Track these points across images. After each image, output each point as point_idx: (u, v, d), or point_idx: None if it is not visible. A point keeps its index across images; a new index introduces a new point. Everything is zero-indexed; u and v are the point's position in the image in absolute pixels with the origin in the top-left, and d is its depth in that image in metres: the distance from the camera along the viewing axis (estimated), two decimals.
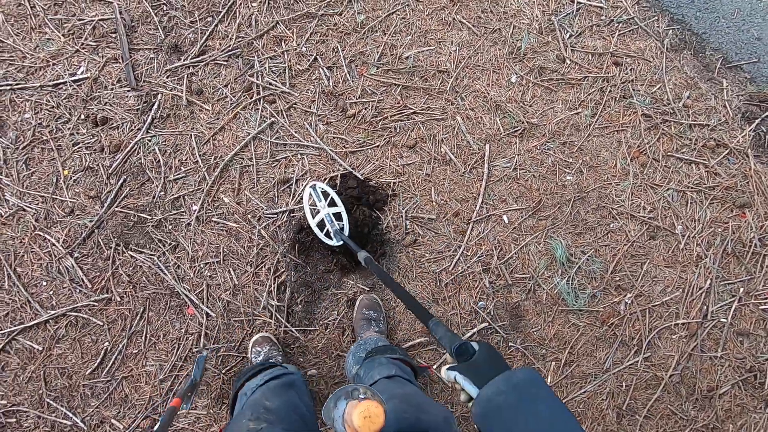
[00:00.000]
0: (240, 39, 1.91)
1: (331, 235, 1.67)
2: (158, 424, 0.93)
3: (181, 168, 1.81)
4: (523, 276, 1.86)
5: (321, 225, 1.69)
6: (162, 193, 1.78)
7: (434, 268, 1.84)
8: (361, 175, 1.87)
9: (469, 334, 1.80)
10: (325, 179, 1.85)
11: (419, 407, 0.99)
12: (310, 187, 1.72)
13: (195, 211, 1.78)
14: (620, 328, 1.86)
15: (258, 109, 1.88)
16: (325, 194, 1.73)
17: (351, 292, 1.80)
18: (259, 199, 1.82)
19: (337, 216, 1.71)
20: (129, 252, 1.73)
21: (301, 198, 1.80)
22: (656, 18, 2.09)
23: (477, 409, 0.66)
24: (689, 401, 1.85)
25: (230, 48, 1.90)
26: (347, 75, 1.92)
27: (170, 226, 1.78)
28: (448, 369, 0.74)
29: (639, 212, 1.92)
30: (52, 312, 1.68)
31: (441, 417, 0.98)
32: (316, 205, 1.69)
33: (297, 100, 1.90)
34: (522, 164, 1.93)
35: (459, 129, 1.93)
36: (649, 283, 1.89)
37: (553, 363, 1.83)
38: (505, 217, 1.89)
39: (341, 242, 1.64)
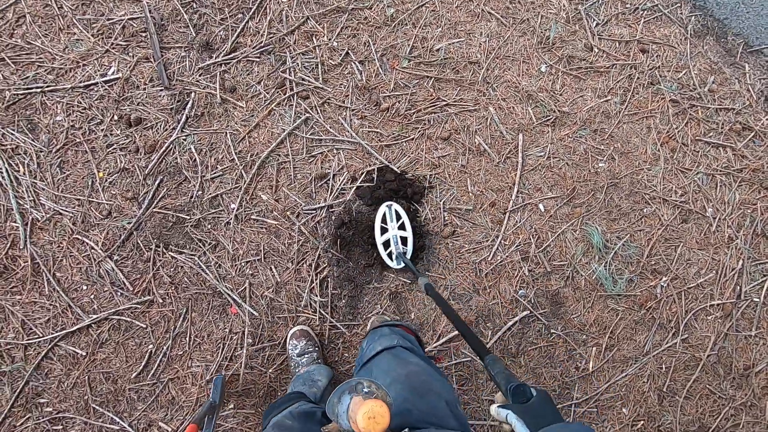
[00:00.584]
0: (271, 35, 1.88)
1: (394, 257, 1.71)
2: None
3: (218, 167, 1.77)
4: (561, 263, 1.85)
5: (386, 245, 1.73)
6: (200, 192, 1.75)
7: (474, 258, 1.83)
8: (398, 168, 1.85)
9: (510, 323, 1.80)
10: (362, 173, 1.83)
11: (422, 392, 0.97)
12: (386, 206, 1.75)
13: (233, 209, 1.75)
14: (657, 311, 1.87)
15: (292, 105, 1.85)
16: (398, 216, 1.75)
17: (393, 285, 1.78)
18: (297, 196, 1.79)
19: (403, 240, 1.72)
20: (169, 253, 1.69)
21: (342, 192, 1.77)
22: (679, 4, 2.09)
23: None
24: (727, 380, 1.86)
25: (262, 44, 1.86)
26: (379, 69, 1.90)
27: (209, 226, 1.74)
28: (500, 407, 0.75)
29: (671, 196, 1.93)
30: (94, 316, 1.64)
31: (443, 401, 0.97)
32: (387, 225, 1.73)
33: (330, 95, 1.87)
34: (555, 153, 1.92)
35: (492, 119, 1.92)
36: (684, 265, 1.90)
37: (594, 348, 1.83)
38: (540, 206, 1.88)
39: (402, 265, 1.69)
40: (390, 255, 1.73)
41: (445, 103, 1.91)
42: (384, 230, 1.75)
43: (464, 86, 1.94)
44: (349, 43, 1.92)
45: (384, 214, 1.74)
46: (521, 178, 1.90)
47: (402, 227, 1.75)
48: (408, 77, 1.92)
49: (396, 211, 1.75)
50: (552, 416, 0.71)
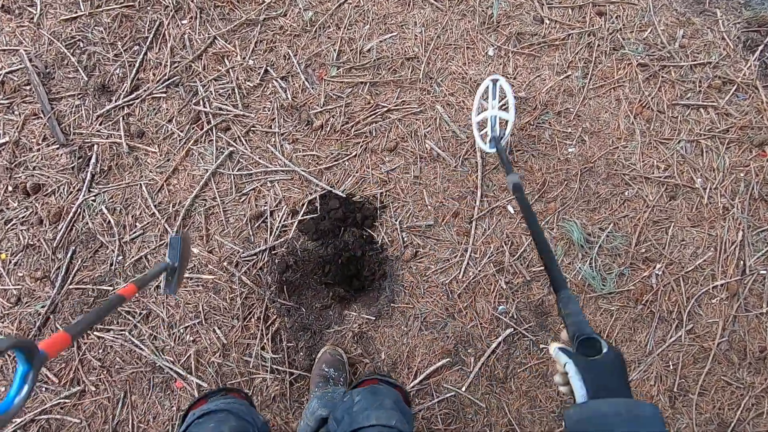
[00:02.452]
0: (176, 64, 1.58)
1: (487, 140, 1.48)
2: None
3: (137, 224, 1.50)
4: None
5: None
6: (120, 257, 1.48)
7: (442, 279, 1.56)
8: (343, 192, 1.57)
9: (494, 345, 1.54)
10: (302, 205, 1.56)
11: None
12: (491, 80, 1.48)
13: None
14: (656, 303, 1.61)
15: (212, 140, 1.57)
16: (503, 95, 1.48)
17: (355, 325, 1.52)
18: (233, 242, 1.52)
19: (503, 125, 1.49)
20: (94, 333, 1.42)
21: (283, 230, 1.50)
22: None
23: (580, 416, 0.59)
24: (742, 367, 1.61)
25: (166, 77, 1.57)
26: (305, 83, 1.61)
27: (137, 294, 1.47)
28: (561, 349, 0.67)
29: (653, 173, 1.65)
30: (18, 421, 1.38)
31: None
32: (486, 103, 1.48)
33: (254, 122, 1.59)
34: (518, 144, 1.64)
35: (441, 119, 1.64)
36: (678, 248, 1.63)
37: None
38: (509, 207, 1.61)
39: (494, 150, 1.45)
40: (483, 138, 1.50)
41: (385, 109, 1.63)
42: (482, 110, 1.50)
43: (404, 86, 1.65)
44: (266, 59, 1.62)
45: (486, 89, 1.49)
46: (483, 179, 1.62)
47: (505, 108, 1.48)
48: (339, 87, 1.63)
49: (501, 88, 1.48)
50: (619, 384, 0.61)
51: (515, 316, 1.60)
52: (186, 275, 1.48)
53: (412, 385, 1.53)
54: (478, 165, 1.64)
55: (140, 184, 1.54)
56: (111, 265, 1.50)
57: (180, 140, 1.58)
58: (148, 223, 1.53)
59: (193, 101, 1.60)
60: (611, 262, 1.64)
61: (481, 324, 1.58)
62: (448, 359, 1.56)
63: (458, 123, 1.66)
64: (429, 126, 1.66)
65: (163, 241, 1.52)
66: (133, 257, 1.50)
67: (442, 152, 1.64)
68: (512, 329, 1.58)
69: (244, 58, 1.62)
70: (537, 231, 0.96)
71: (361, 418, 0.92)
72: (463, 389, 1.55)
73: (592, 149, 1.68)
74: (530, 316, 1.61)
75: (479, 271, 1.60)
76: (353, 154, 1.63)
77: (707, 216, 1.68)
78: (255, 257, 1.55)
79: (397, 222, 1.60)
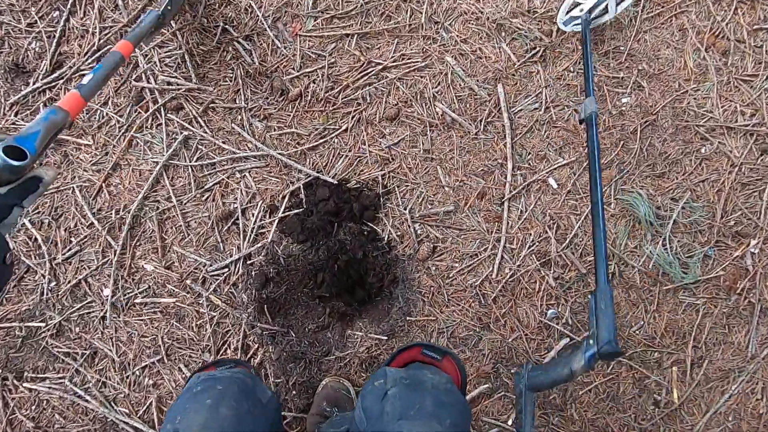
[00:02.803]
0: (107, 31, 1.23)
1: (570, 23, 1.20)
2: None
3: (72, 240, 1.16)
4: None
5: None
6: (53, 283, 1.14)
7: (471, 280, 1.19)
8: (333, 177, 1.20)
9: (547, 360, 1.16)
10: (283, 197, 1.19)
11: None
12: None
13: (107, 297, 1.13)
14: (754, 291, 1.22)
15: (160, 124, 1.21)
16: None
17: (362, 348, 1.16)
18: (197, 253, 1.17)
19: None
20: (24, 384, 1.08)
21: (260, 232, 1.14)
22: None
23: None
24: None
25: (96, 47, 1.22)
26: (275, 41, 1.24)
27: (77, 329, 1.13)
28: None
29: (736, 120, 1.25)
30: None
31: None
32: None
33: (213, 96, 1.22)
34: (555, 99, 1.25)
35: (453, 74, 1.25)
36: None
37: (675, 369, 1.19)
38: (551, 180, 1.23)
39: (572, 29, 1.20)
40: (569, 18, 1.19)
41: (380, 67, 1.25)
42: None
43: (403, 36, 1.27)
44: (223, 15, 1.25)
45: None
46: (514, 147, 1.24)
47: None
48: (319, 43, 1.26)
49: None
50: None
51: (570, 322, 1.21)
52: (138, 300, 1.13)
53: None
54: (505, 129, 1.25)
55: (72, 187, 1.19)
56: (41, 294, 1.15)
57: (120, 128, 1.23)
58: (85, 236, 1.18)
59: (133, 77, 1.24)
60: (691, 241, 1.24)
61: (526, 335, 1.20)
62: (486, 385, 1.19)
63: (475, 77, 1.27)
64: (438, 84, 1.27)
65: (106, 260, 1.17)
66: (69, 282, 1.16)
67: (458, 116, 1.25)
68: (567, 339, 1.20)
69: (194, 16, 1.25)
70: (596, 198, 0.81)
71: (392, 427, 0.71)
72: (510, 422, 1.18)
73: (652, 97, 1.28)
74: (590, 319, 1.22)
75: (518, 266, 1.22)
76: (343, 127, 1.25)
77: None
78: (226, 270, 1.19)
79: (407, 211, 1.23)
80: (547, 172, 1.25)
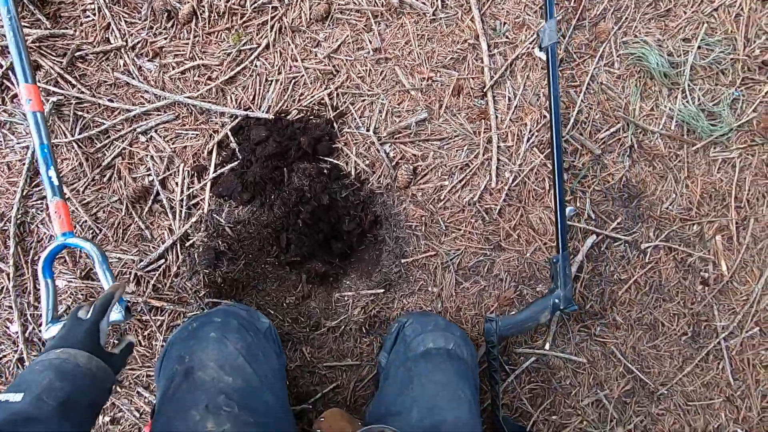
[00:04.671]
0: None
1: None
2: None
3: None
4: (613, 129, 0.96)
5: None
6: None
7: (467, 196, 0.94)
8: (268, 112, 0.89)
9: (575, 268, 0.95)
10: (209, 152, 0.88)
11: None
12: None
13: (17, 333, 0.84)
14: None
15: (15, 94, 0.86)
16: None
17: (357, 310, 0.92)
18: (119, 251, 0.88)
19: None
20: None
21: (192, 202, 0.85)
22: None
23: None
24: None
25: None
26: None
27: None
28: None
29: None
30: None
31: None
32: None
33: (78, 41, 0.87)
34: None
35: None
36: None
37: (718, 238, 0.99)
38: (537, 52, 0.94)
39: None
40: None
41: None
42: None
43: None
44: None
45: None
46: (484, 20, 0.94)
47: None
48: None
49: None
50: None
51: (593, 215, 0.98)
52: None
53: None
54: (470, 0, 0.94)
55: None
56: None
57: None
58: None
59: None
60: (713, 85, 1.00)
61: (545, 243, 0.97)
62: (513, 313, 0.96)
63: None
64: None
65: (1, 286, 0.86)
66: None
67: None
68: (594, 235, 0.97)
69: None
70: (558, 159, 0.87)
71: (416, 344, 0.82)
72: (547, 347, 0.98)
73: None
74: (615, 206, 1.00)
75: (520, 166, 0.96)
76: (263, 44, 0.92)
77: None
78: (162, 261, 0.90)
79: (370, 131, 0.94)
80: (530, 43, 0.96)
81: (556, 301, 0.88)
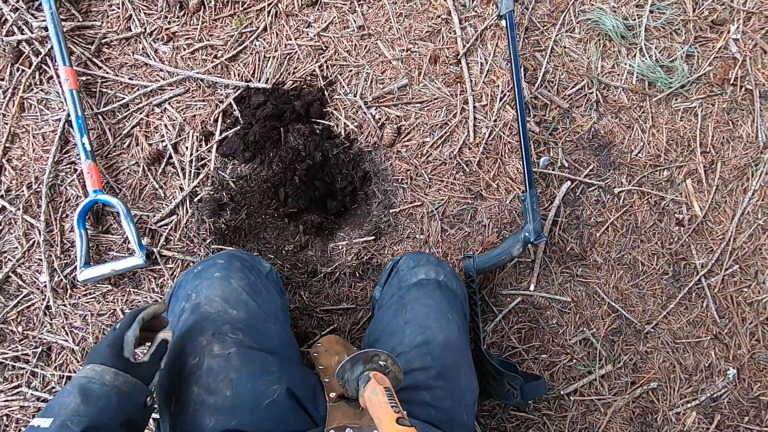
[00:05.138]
0: None
1: None
2: None
3: None
4: (578, 87, 1.05)
5: None
6: None
7: (448, 150, 1.03)
8: (266, 83, 1.01)
9: (553, 212, 1.01)
10: (215, 119, 1.00)
11: (448, 376, 0.74)
12: None
13: (45, 282, 0.93)
14: (748, 78, 1.09)
15: (51, 76, 1.01)
16: None
17: (351, 257, 0.99)
18: (135, 207, 0.98)
19: None
20: None
21: (201, 163, 0.97)
22: None
23: None
24: None
25: None
26: None
27: (20, 328, 0.93)
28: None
29: None
30: None
31: (462, 404, 0.75)
32: None
33: (104, 30, 1.02)
34: None
35: None
36: None
37: (689, 181, 1.06)
38: (503, 22, 1.05)
39: None
40: None
41: None
42: None
43: None
44: None
45: None
46: None
47: None
48: None
49: None
50: None
51: (566, 164, 1.06)
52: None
53: None
54: None
55: None
56: None
57: (4, 93, 1.01)
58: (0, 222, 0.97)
59: (3, 32, 1.01)
60: (668, 43, 1.09)
61: (522, 191, 1.04)
62: None
63: None
64: None
65: (31, 242, 0.96)
66: None
67: None
68: (569, 182, 1.04)
69: None
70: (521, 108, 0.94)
71: (409, 275, 0.86)
72: (532, 287, 1.02)
73: None
74: (587, 155, 1.07)
75: (494, 122, 1.05)
76: (261, 26, 1.06)
77: None
78: (174, 217, 0.99)
79: (357, 96, 1.05)
80: (496, 16, 1.08)
81: (527, 234, 0.94)
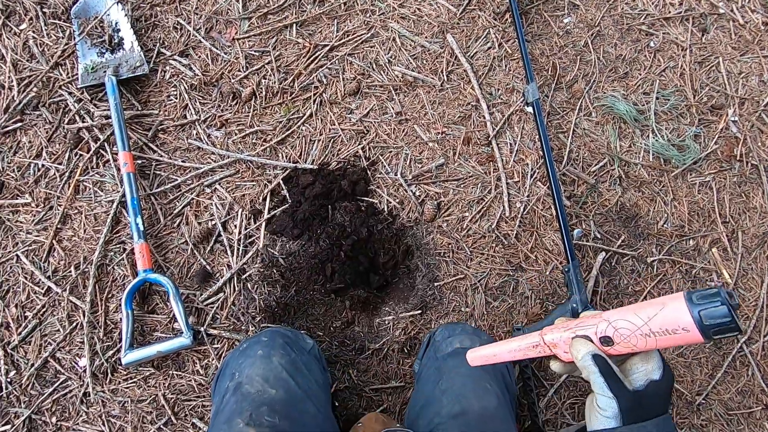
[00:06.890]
0: (27, 81, 1.05)
1: None
2: None
3: (27, 314, 0.93)
4: (601, 163, 1.12)
5: None
6: (12, 373, 0.88)
7: (487, 224, 1.06)
8: (312, 164, 1.06)
9: (592, 282, 1.02)
10: (263, 198, 1.03)
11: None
12: None
13: (85, 367, 0.89)
14: (752, 154, 1.16)
15: (107, 161, 1.05)
16: None
17: (398, 332, 0.98)
18: (183, 286, 0.97)
19: None
20: None
21: (248, 241, 0.98)
22: None
23: None
24: None
25: (17, 102, 1.04)
26: (213, 50, 1.13)
27: (53, 419, 0.87)
28: (594, 355, 0.47)
29: (669, 12, 1.26)
30: None
31: None
32: None
33: (161, 118, 1.08)
34: (504, 35, 1.20)
35: (401, 36, 1.19)
36: (741, 81, 1.22)
37: (715, 250, 1.09)
38: (528, 108, 1.14)
39: None
40: None
41: (327, 47, 1.16)
42: None
43: (341, 15, 1.21)
44: (152, 39, 1.14)
45: None
46: (482, 87, 1.16)
47: None
48: (260, 40, 1.16)
49: None
50: (661, 407, 0.48)
51: (599, 235, 1.09)
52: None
53: None
54: (468, 73, 1.18)
55: (16, 255, 0.97)
56: (1, 388, 0.88)
57: (61, 176, 1.04)
58: (43, 306, 0.95)
59: (66, 120, 1.07)
60: (676, 125, 1.19)
61: (560, 262, 1.06)
62: None
63: (423, 35, 1.21)
64: (389, 50, 1.20)
65: (74, 325, 0.93)
66: (32, 364, 0.91)
67: (419, 74, 1.18)
68: (603, 252, 1.07)
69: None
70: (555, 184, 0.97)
71: (444, 345, 0.86)
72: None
73: (590, 11, 1.27)
74: (616, 226, 1.11)
75: (528, 197, 1.11)
76: (307, 113, 1.13)
77: (750, 38, 1.28)
78: (221, 294, 0.98)
79: (398, 175, 1.10)
80: (521, 103, 1.18)
81: (574, 305, 0.95)
